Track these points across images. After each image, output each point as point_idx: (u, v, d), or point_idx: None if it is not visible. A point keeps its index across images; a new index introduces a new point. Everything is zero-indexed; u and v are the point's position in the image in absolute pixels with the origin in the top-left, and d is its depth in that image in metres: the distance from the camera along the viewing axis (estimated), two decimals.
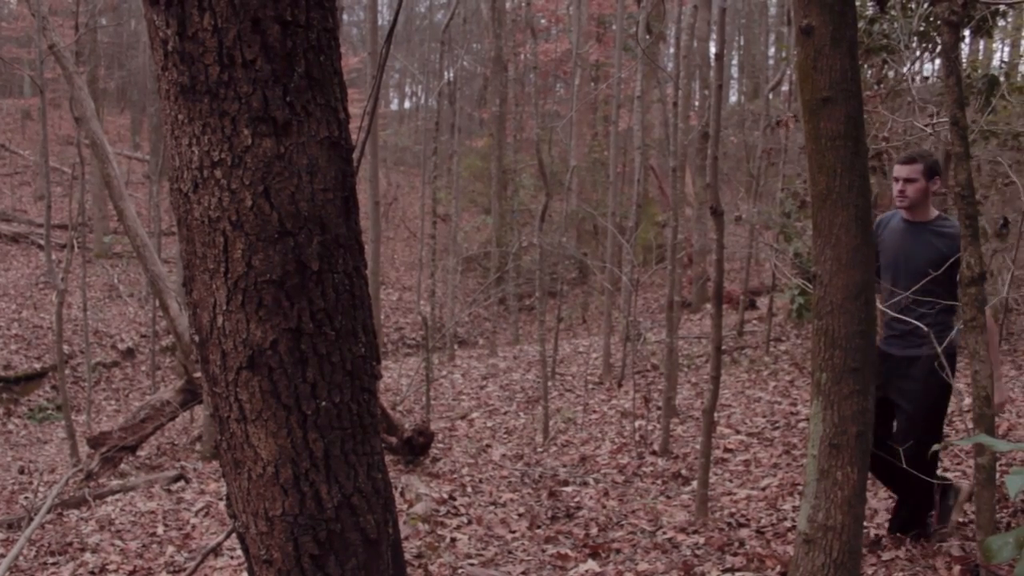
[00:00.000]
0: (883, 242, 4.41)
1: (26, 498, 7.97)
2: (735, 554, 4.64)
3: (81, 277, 16.15)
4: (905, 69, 6.88)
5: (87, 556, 6.15)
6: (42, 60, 12.76)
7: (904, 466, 4.16)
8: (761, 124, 11.78)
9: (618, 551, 4.91)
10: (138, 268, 17.78)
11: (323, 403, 1.90)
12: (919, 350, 4.22)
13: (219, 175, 1.80)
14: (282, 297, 1.84)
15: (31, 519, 6.85)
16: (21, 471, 9.23)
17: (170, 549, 6.06)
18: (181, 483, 7.55)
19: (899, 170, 4.25)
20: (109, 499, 7.41)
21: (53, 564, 6.11)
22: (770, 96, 12.86)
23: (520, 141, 20.70)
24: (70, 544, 6.43)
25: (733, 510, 5.46)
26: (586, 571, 4.70)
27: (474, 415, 9.29)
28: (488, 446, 7.93)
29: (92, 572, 5.84)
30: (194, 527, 6.48)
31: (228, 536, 5.65)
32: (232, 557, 5.72)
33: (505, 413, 9.30)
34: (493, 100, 18.90)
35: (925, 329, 4.14)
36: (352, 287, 1.94)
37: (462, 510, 6.05)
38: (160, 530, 6.52)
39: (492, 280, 14.47)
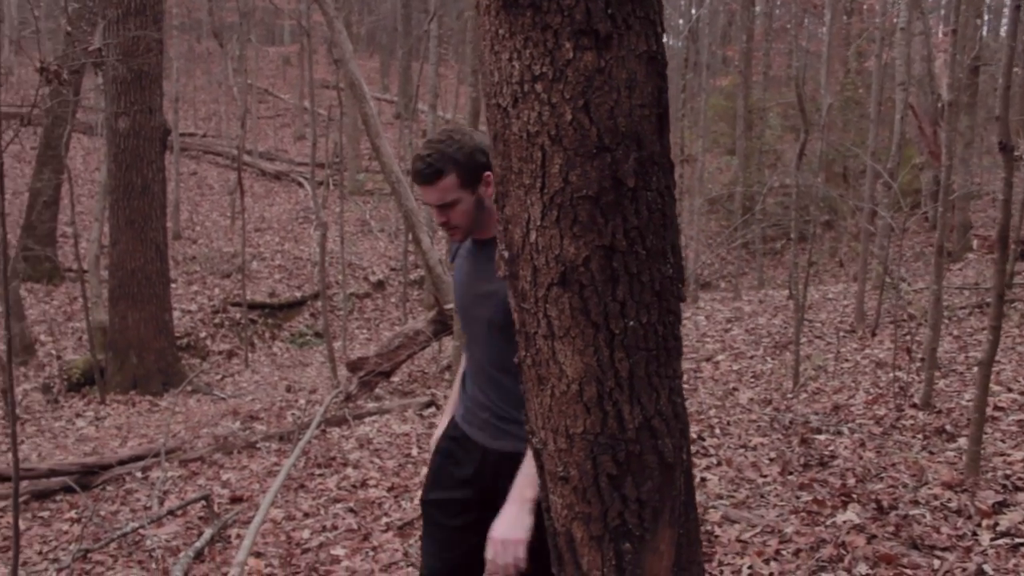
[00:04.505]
0: (454, 277, 2.91)
1: (293, 414, 8.59)
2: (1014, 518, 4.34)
3: (337, 213, 17.10)
4: None
5: (349, 471, 6.55)
6: (308, 6, 13.47)
7: None
8: None
9: (878, 503, 4.71)
10: (387, 205, 18.62)
11: (631, 323, 1.89)
12: (520, 443, 2.50)
13: (539, 89, 1.80)
14: (597, 213, 1.83)
15: (301, 434, 7.38)
16: (288, 389, 9.93)
17: (424, 470, 6.36)
18: (432, 409, 7.87)
19: (424, 194, 2.65)
20: (366, 420, 7.83)
21: (320, 475, 6.55)
22: None
23: (768, 79, 19.95)
24: (333, 458, 6.86)
25: (1008, 472, 5.10)
26: (845, 521, 4.54)
27: (719, 358, 9.14)
28: (735, 389, 7.79)
29: (354, 485, 6.22)
30: None
31: None
32: None
33: (751, 357, 9.10)
34: (739, 37, 18.28)
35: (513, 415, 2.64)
36: (663, 206, 1.90)
37: (711, 451, 5.99)
38: (414, 451, 6.85)
39: (739, 222, 14.12)
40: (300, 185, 19.92)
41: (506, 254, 1.96)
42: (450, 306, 8.82)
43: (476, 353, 2.75)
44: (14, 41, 27.27)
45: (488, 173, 2.57)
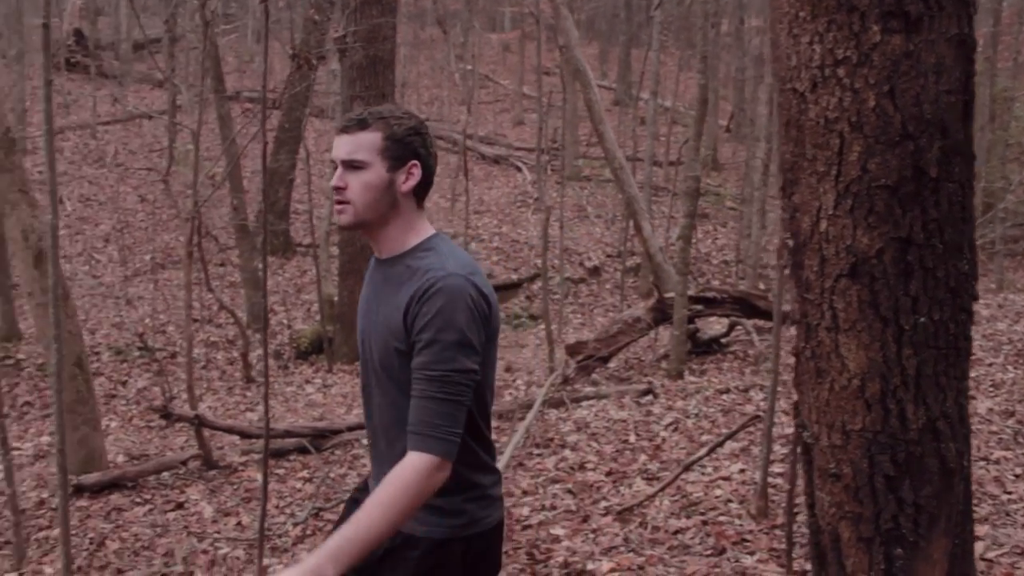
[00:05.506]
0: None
1: (511, 393, 8.77)
2: None
3: (555, 198, 17.29)
4: None
5: (567, 452, 6.61)
6: None
7: None
8: None
9: None
10: (604, 191, 18.64)
11: (922, 319, 1.81)
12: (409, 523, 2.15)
13: (842, 74, 1.75)
14: (894, 204, 1.76)
15: (521, 413, 7.52)
16: (506, 369, 10.12)
17: (642, 457, 6.33)
18: (649, 397, 7.83)
19: (337, 146, 2.21)
20: (583, 403, 7.87)
21: (538, 455, 6.65)
22: None
23: (1018, 66, 18.61)
24: (551, 439, 6.94)
25: None
26: None
27: None
28: (972, 397, 7.34)
29: (572, 467, 6.27)
30: (663, 440, 6.70)
31: (708, 453, 5.77)
32: (703, 474, 5.85)
33: (990, 365, 8.54)
34: (985, 20, 17.13)
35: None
36: (963, 198, 1.81)
37: None
38: (632, 438, 6.83)
39: (979, 220, 13.31)
40: (518, 169, 20.24)
41: (791, 243, 1.92)
42: (671, 295, 8.76)
43: (370, 406, 2.31)
44: (256, 31, 29.12)
45: (414, 163, 2.19)
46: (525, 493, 5.90)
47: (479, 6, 35.06)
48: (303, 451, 7.22)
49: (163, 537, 5.74)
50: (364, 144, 2.16)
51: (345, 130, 2.19)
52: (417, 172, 2.20)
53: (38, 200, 6.82)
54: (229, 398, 10.45)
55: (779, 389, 5.31)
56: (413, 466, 2.01)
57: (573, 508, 5.51)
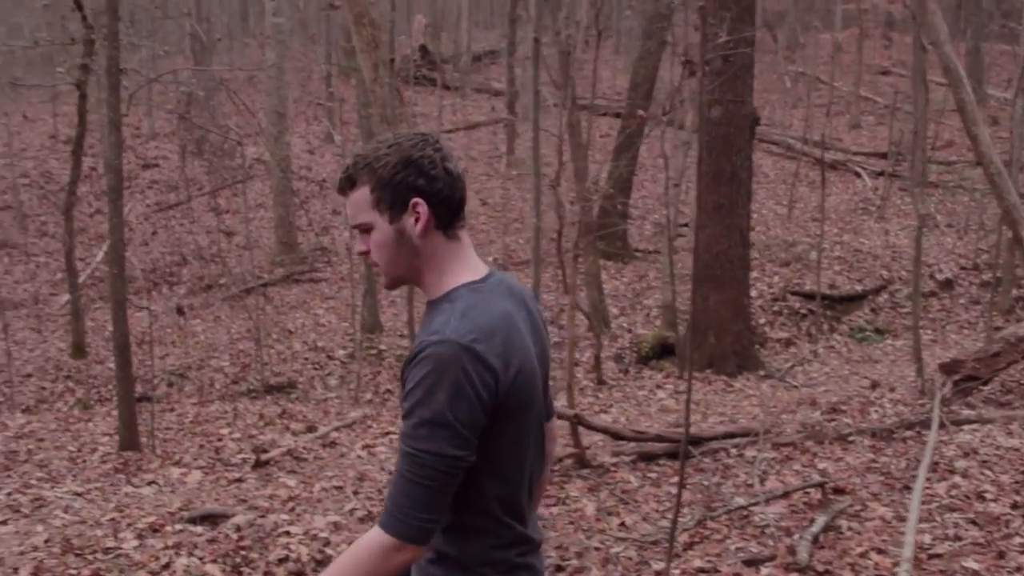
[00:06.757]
0: None
1: (876, 411, 8.44)
2: None
3: (899, 205, 16.53)
4: None
5: (957, 479, 6.25)
6: None
7: None
8: None
9: None
10: (955, 198, 17.52)
11: None
12: None
13: None
14: None
15: (902, 435, 7.24)
16: (873, 386, 9.73)
17: None
18: None
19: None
20: (964, 427, 7.43)
21: (925, 479, 6.33)
22: None
23: None
24: (936, 464, 6.60)
25: None
26: None
27: None
28: None
29: (967, 495, 5.93)
30: None
31: None
32: None
33: None
34: None
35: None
36: None
37: None
38: None
39: None
40: (857, 175, 19.42)
41: None
42: None
43: None
44: (586, 39, 29.83)
45: (417, 201, 1.97)
46: (919, 519, 5.66)
47: (810, 3, 34.07)
48: (671, 456, 7.31)
49: (550, 530, 6.00)
50: (359, 204, 2.02)
51: (341, 191, 2.06)
52: (424, 209, 1.99)
53: None
54: (581, 398, 10.78)
55: None
56: (368, 543, 1.93)
57: (982, 541, 5.22)
